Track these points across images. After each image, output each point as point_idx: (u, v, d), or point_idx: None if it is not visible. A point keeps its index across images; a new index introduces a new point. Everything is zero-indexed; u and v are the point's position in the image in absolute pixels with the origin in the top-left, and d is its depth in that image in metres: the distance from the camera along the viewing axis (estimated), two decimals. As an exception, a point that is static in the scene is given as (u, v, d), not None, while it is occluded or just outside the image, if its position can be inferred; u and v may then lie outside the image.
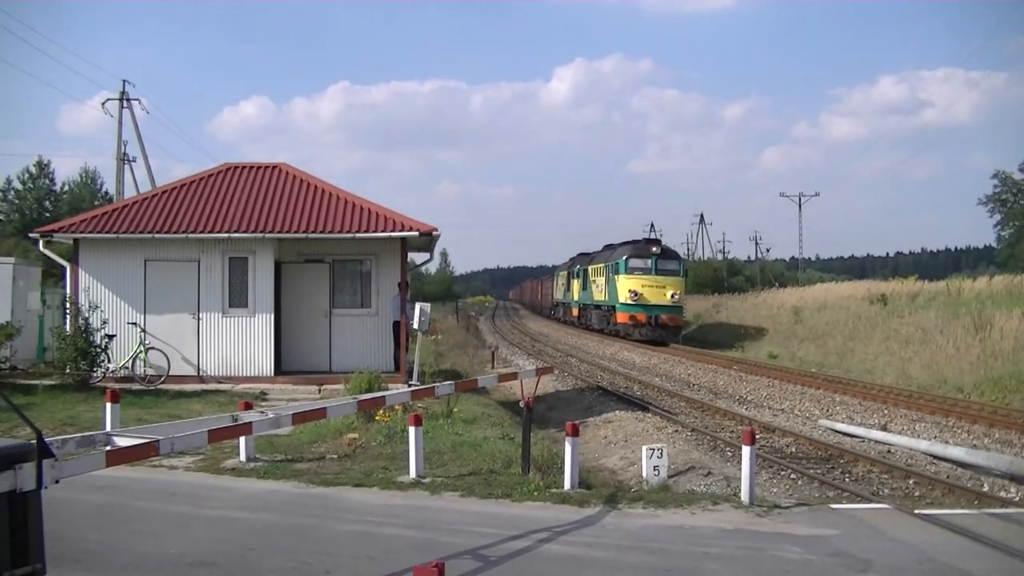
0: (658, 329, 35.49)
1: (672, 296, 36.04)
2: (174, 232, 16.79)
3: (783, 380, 21.62)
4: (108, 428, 9.77)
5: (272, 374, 17.07)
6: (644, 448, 10.28)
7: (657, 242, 38.80)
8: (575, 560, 6.75)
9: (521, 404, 10.13)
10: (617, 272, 37.12)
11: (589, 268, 45.01)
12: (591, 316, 44.86)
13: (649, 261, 36.75)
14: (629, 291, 36.09)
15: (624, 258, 37.15)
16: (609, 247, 44.41)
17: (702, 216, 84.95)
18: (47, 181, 61.58)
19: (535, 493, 8.64)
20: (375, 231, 17.05)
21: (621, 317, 36.71)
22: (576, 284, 49.33)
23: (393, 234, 17.11)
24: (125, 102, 35.83)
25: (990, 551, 7.09)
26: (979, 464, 11.63)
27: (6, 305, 18.05)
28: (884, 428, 14.77)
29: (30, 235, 19.60)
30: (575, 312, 50.22)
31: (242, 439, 10.04)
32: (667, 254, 37.98)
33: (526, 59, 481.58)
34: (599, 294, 41.62)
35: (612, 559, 6.83)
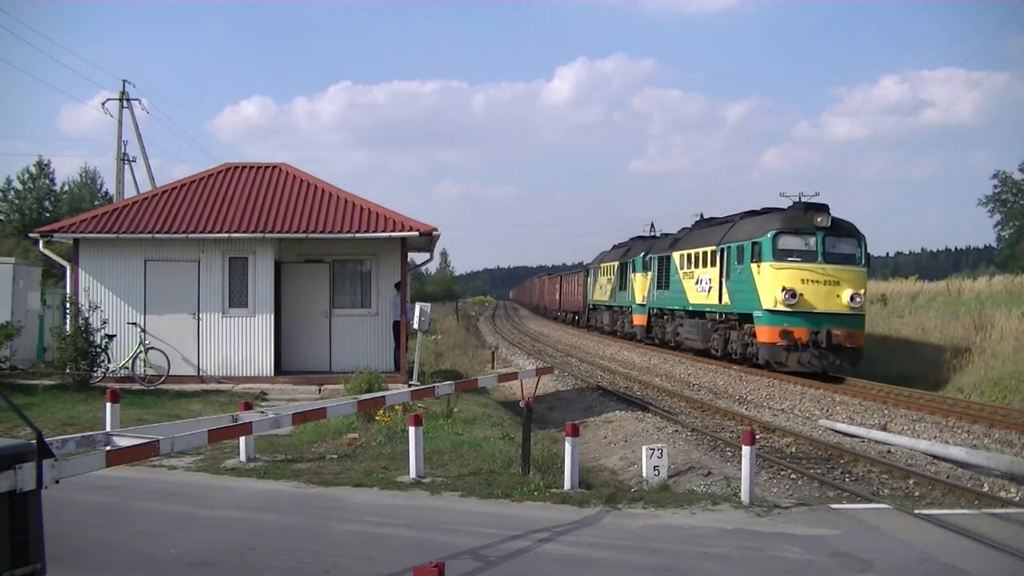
0: (829, 354, 21.37)
1: (852, 299, 21.65)
2: (174, 232, 16.79)
3: (783, 380, 21.62)
4: (108, 428, 9.78)
5: (272, 374, 17.07)
6: (644, 448, 10.28)
7: (823, 208, 22.65)
8: (575, 560, 6.75)
9: (521, 404, 10.13)
10: (755, 257, 22.77)
11: (675, 255, 30.07)
12: (677, 328, 30.14)
13: (813, 240, 22.22)
14: (783, 289, 21.68)
15: (770, 234, 22.43)
16: (707, 222, 30.05)
17: (702, 215, 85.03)
18: (47, 181, 61.70)
19: (535, 493, 8.63)
20: (375, 231, 17.05)
21: (766, 333, 22.07)
22: (640, 280, 34.64)
23: (393, 234, 17.11)
24: (125, 102, 35.81)
25: (990, 551, 7.08)
26: (979, 464, 11.63)
27: (6, 305, 18.07)
28: (884, 428, 14.76)
29: (30, 235, 19.61)
30: (638, 320, 35.12)
31: (242, 439, 10.04)
32: (840, 228, 22.62)
33: (528, 59, 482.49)
34: (700, 294, 27.20)
35: (612, 559, 6.83)
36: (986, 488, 10.57)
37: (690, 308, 28.40)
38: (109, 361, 16.18)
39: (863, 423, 15.36)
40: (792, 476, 11.16)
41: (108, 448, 5.25)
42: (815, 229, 22.27)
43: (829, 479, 10.97)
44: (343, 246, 17.90)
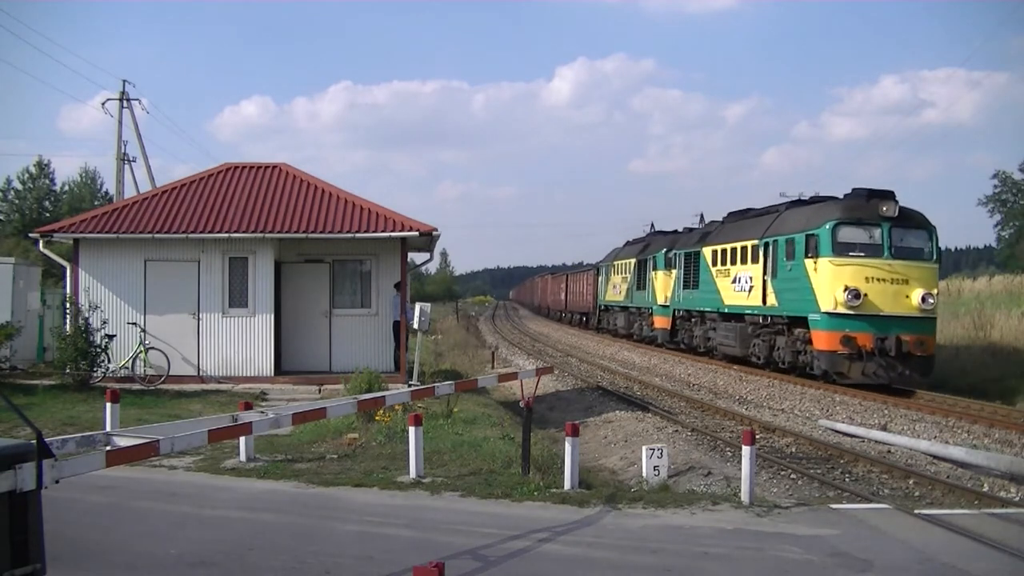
0: (897, 363, 18.66)
1: (923, 300, 18.94)
2: (174, 232, 16.79)
3: (783, 380, 21.61)
4: (108, 428, 9.78)
5: (272, 374, 17.07)
6: (644, 448, 10.28)
7: (889, 196, 19.92)
8: (575, 560, 6.75)
9: (521, 404, 10.13)
10: (810, 252, 19.94)
11: (705, 251, 26.93)
12: (708, 332, 27.24)
13: (878, 232, 19.39)
14: (845, 289, 18.83)
15: (828, 225, 19.54)
16: (742, 215, 26.45)
17: (702, 216, 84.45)
18: (47, 181, 61.75)
19: (535, 493, 8.63)
20: (375, 231, 17.06)
21: (824, 339, 19.28)
22: (662, 278, 31.53)
23: (393, 234, 17.11)
24: (125, 102, 35.84)
25: (990, 551, 7.08)
26: (979, 464, 11.63)
27: (6, 305, 18.07)
28: (884, 428, 14.76)
29: (30, 235, 19.62)
30: (660, 322, 32.06)
31: (242, 439, 10.04)
32: (909, 219, 19.85)
33: (528, 59, 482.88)
34: (738, 294, 24.17)
35: (612, 559, 6.83)
36: (986, 488, 10.57)
37: (725, 310, 25.25)
38: (109, 361, 16.19)
39: (863, 423, 15.36)
40: (792, 476, 11.16)
41: (108, 448, 5.25)
42: (880, 219, 19.37)
43: (829, 479, 10.97)
44: (343, 246, 17.91)
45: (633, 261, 36.29)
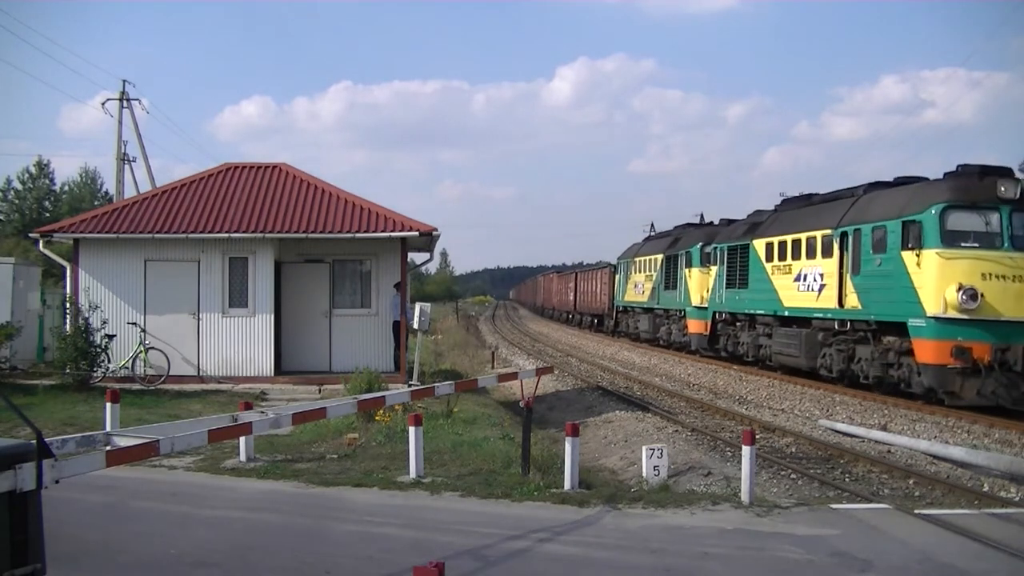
0: (1021, 381, 15.30)
1: None
2: (174, 232, 16.80)
3: (783, 380, 21.61)
4: (108, 428, 9.79)
5: (272, 374, 17.08)
6: (644, 448, 10.28)
7: (1007, 173, 16.61)
8: (575, 560, 6.75)
9: (521, 404, 10.13)
10: (910, 243, 16.39)
11: (756, 244, 23.12)
12: (759, 339, 23.06)
13: (996, 218, 15.96)
14: (959, 288, 15.42)
15: (935, 209, 16.06)
16: (803, 200, 22.80)
17: (702, 216, 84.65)
18: (47, 181, 61.78)
19: (535, 493, 8.63)
20: (375, 231, 17.06)
21: (930, 351, 15.87)
22: (698, 277, 27.83)
23: (393, 234, 17.12)
24: (125, 102, 35.85)
25: (990, 551, 7.08)
26: (979, 464, 11.62)
27: (6, 305, 18.08)
28: (884, 428, 14.75)
29: (30, 235, 19.63)
30: (695, 327, 27.86)
31: (242, 439, 10.04)
32: None
33: (529, 58, 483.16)
34: (803, 294, 20.67)
35: (612, 559, 6.83)
36: (986, 488, 10.56)
37: (785, 313, 21.43)
38: (109, 361, 16.19)
39: (863, 423, 15.35)
40: (792, 476, 11.15)
41: (108, 448, 5.25)
42: (998, 202, 15.79)
43: (829, 479, 10.96)
44: (343, 246, 17.91)
45: (660, 258, 32.29)
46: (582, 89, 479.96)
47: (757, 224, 24.18)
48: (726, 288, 25.05)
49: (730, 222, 27.92)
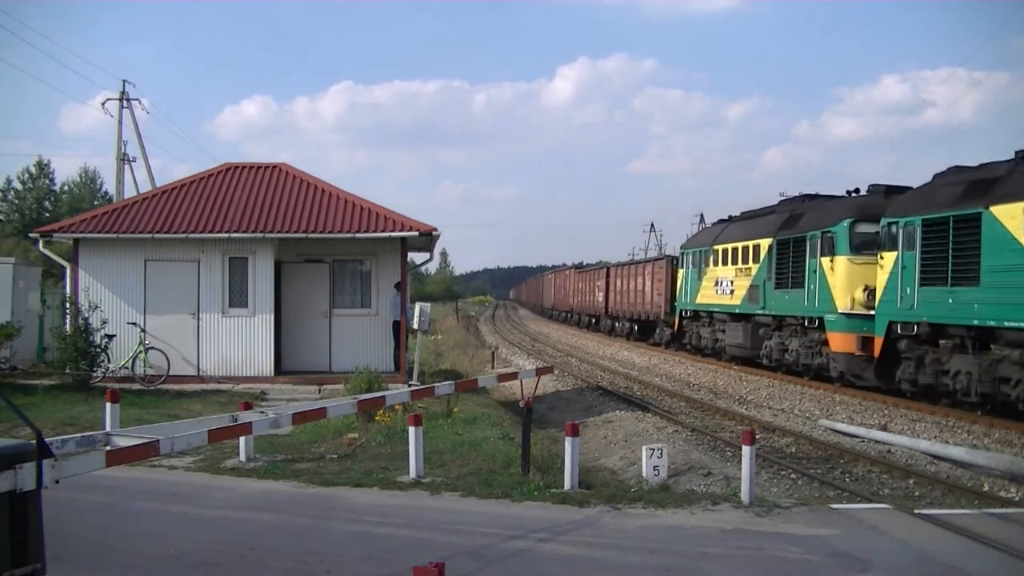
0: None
1: None
2: (174, 232, 16.80)
3: (783, 380, 21.61)
4: (108, 428, 9.79)
5: (272, 374, 17.08)
6: (644, 448, 10.28)
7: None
8: (575, 560, 6.75)
9: (521, 404, 10.13)
10: None
11: (998, 212, 14.40)
12: (994, 367, 14.73)
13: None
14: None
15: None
16: None
17: (702, 216, 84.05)
18: (47, 181, 61.79)
19: (535, 493, 8.63)
20: (375, 231, 17.06)
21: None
22: (845, 269, 19.49)
23: (393, 234, 17.12)
24: (125, 102, 35.89)
25: (990, 551, 7.08)
26: (979, 464, 11.63)
27: (6, 305, 18.08)
28: (884, 428, 14.75)
29: (30, 235, 19.64)
30: (843, 343, 19.28)
31: (242, 439, 10.05)
32: None
33: (529, 58, 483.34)
34: None
35: (612, 559, 6.83)
36: (986, 488, 10.56)
37: None
38: (109, 361, 16.20)
39: (863, 423, 15.36)
40: (792, 476, 11.16)
41: (108, 448, 5.24)
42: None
43: (829, 479, 10.97)
44: (343, 246, 17.91)
45: (766, 243, 23.39)
46: (583, 89, 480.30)
47: (983, 183, 15.33)
48: (922, 284, 16.50)
49: (894, 190, 19.70)
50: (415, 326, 17.16)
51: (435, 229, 17.31)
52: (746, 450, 8.59)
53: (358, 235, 17.00)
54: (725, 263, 26.36)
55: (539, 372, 13.02)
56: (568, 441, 8.99)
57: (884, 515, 8.36)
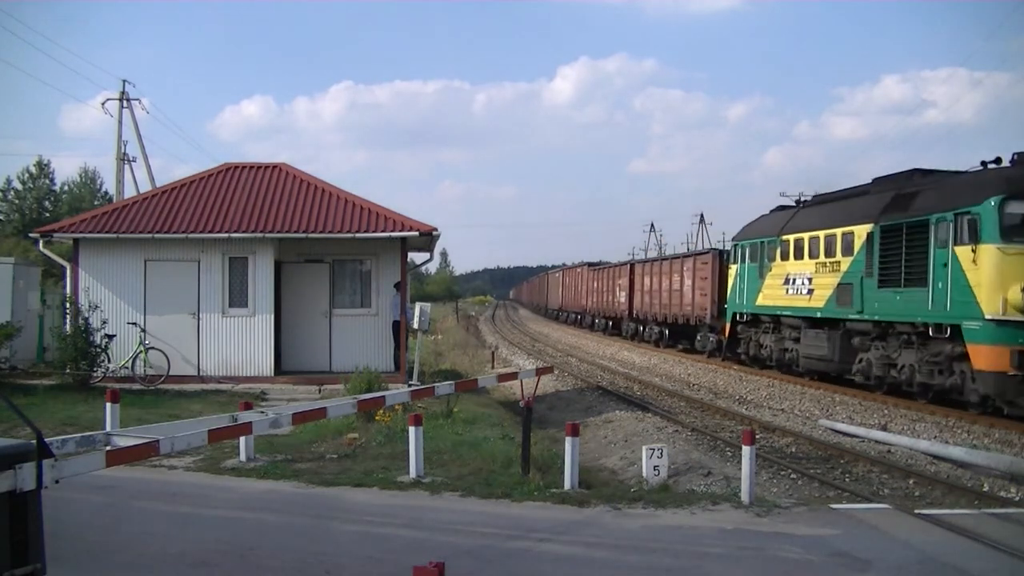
0: None
1: None
2: (174, 232, 16.80)
3: (783, 380, 21.61)
4: (108, 428, 9.78)
5: (272, 374, 17.08)
6: (644, 448, 10.28)
7: None
8: (575, 560, 6.75)
9: (521, 404, 10.13)
10: None
11: None
12: None
13: None
14: None
15: None
16: None
17: (702, 216, 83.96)
18: (47, 181, 61.75)
19: (535, 493, 8.63)
20: (375, 231, 17.07)
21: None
22: (995, 260, 14.45)
23: (393, 234, 17.13)
24: (125, 102, 35.90)
25: (990, 551, 7.08)
26: (979, 464, 11.62)
27: (6, 305, 18.08)
28: (884, 428, 14.75)
29: (30, 235, 19.66)
30: (994, 360, 14.20)
31: (242, 439, 10.05)
32: None
33: (530, 58, 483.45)
34: None
35: (612, 559, 6.83)
36: (986, 488, 10.56)
37: None
38: (109, 361, 16.20)
39: (863, 423, 15.36)
40: (792, 476, 11.16)
41: (108, 448, 5.24)
42: None
43: (829, 479, 10.97)
44: (343, 246, 17.91)
45: (865, 230, 18.36)
46: (583, 89, 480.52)
47: None
48: None
49: None
50: (415, 326, 17.16)
51: (435, 229, 17.31)
52: (746, 450, 8.59)
53: (358, 235, 17.01)
54: (799, 256, 21.30)
55: (539, 372, 13.02)
56: (568, 441, 8.99)
57: (884, 515, 8.36)
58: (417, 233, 17.08)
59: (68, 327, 16.50)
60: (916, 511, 8.55)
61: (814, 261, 20.55)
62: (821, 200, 22.18)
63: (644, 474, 10.03)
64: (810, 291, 20.71)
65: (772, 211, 24.75)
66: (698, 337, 29.50)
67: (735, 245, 25.68)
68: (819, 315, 20.16)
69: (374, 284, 18.45)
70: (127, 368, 16.51)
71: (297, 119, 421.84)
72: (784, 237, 22.25)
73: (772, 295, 22.68)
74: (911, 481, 10.92)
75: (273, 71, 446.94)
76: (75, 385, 15.35)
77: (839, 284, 19.31)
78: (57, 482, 3.83)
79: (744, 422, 15.29)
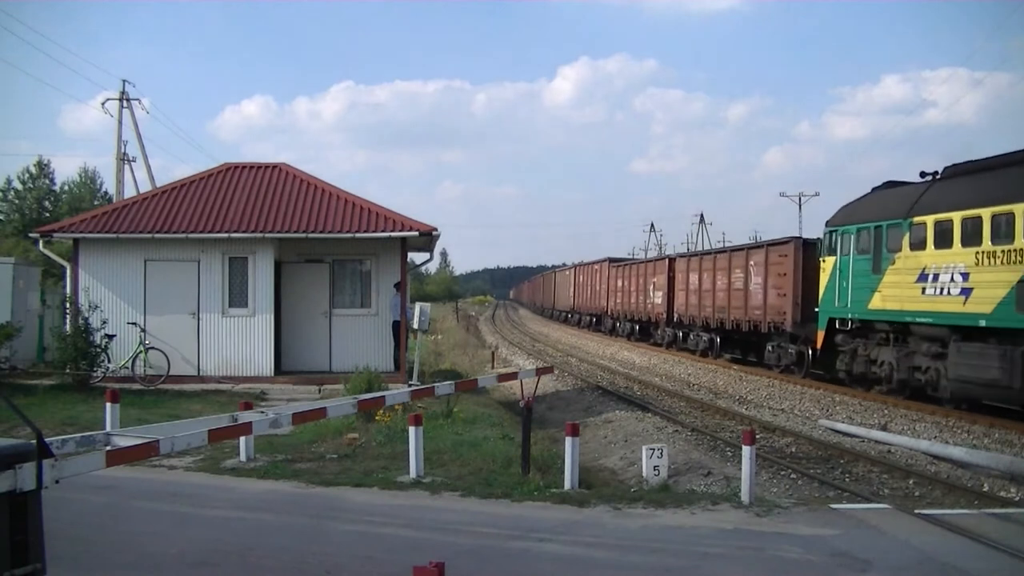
0: None
1: None
2: (174, 232, 16.81)
3: (783, 380, 21.61)
4: (108, 428, 9.77)
5: (272, 374, 17.09)
6: (644, 448, 10.29)
7: None
8: (575, 560, 6.75)
9: (521, 404, 10.13)
10: None
11: None
12: None
13: None
14: None
15: None
16: None
17: (702, 216, 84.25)
18: (47, 181, 61.70)
19: (535, 493, 8.64)
20: (375, 231, 17.07)
21: None
22: None
23: (393, 234, 17.14)
24: (125, 102, 35.88)
25: (990, 551, 7.08)
26: (979, 464, 11.62)
27: (6, 305, 18.08)
28: (884, 428, 14.75)
29: (30, 235, 19.66)
30: None
31: (242, 439, 10.05)
32: None
33: (530, 58, 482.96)
34: None
35: (612, 559, 6.83)
36: (986, 488, 10.56)
37: None
38: (109, 361, 16.20)
39: (863, 423, 15.36)
40: (792, 476, 11.16)
41: (108, 448, 5.24)
42: None
43: (829, 479, 10.97)
44: (343, 246, 17.92)
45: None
46: (584, 89, 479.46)
47: None
48: None
49: None
50: (415, 326, 17.17)
51: (435, 229, 17.32)
52: (746, 450, 8.59)
53: (358, 235, 17.01)
54: (945, 243, 15.65)
55: (539, 372, 13.02)
56: (568, 441, 9.00)
57: (884, 515, 8.36)
58: (417, 233, 17.08)
59: (68, 327, 16.50)
60: (916, 511, 8.55)
61: (973, 250, 14.85)
62: (974, 168, 16.05)
63: (644, 474, 10.03)
64: (966, 291, 15.07)
65: (876, 189, 19.33)
66: (769, 348, 23.45)
67: (831, 232, 19.62)
68: (983, 324, 14.49)
69: (374, 284, 18.45)
70: (127, 368, 16.51)
71: (297, 119, 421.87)
72: (918, 219, 16.44)
73: (897, 295, 17.05)
74: (911, 481, 10.92)
75: (273, 71, 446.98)
76: (75, 385, 15.35)
77: (1019, 281, 13.72)
78: (57, 482, 3.83)
79: (744, 422, 15.29)
